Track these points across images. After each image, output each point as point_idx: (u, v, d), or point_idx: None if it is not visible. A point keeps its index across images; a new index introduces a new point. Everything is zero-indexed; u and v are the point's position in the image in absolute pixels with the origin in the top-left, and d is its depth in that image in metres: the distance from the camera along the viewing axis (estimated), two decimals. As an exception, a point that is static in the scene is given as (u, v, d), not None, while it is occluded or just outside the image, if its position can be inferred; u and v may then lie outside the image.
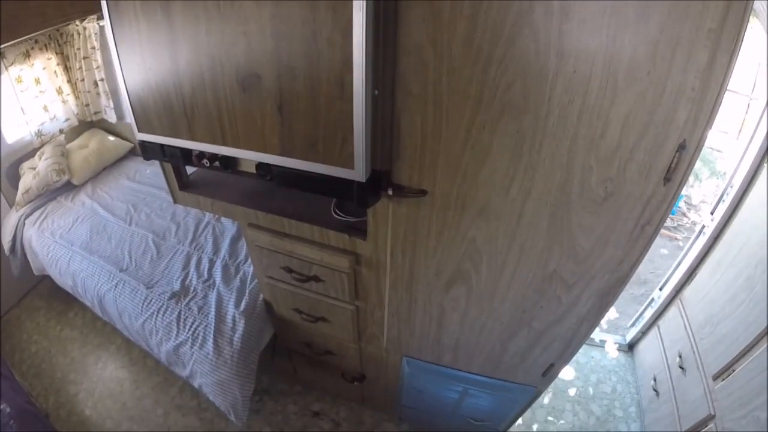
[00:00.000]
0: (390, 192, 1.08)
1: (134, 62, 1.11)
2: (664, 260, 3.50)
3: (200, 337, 1.85)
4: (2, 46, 2.25)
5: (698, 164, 3.84)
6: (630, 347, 2.69)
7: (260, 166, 1.13)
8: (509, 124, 0.91)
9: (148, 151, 1.27)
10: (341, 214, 1.31)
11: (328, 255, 1.37)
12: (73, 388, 2.58)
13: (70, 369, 2.69)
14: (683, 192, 4.03)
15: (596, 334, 2.70)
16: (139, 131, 1.24)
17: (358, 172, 1.00)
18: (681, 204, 4.09)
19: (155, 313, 1.99)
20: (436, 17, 0.82)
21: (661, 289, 2.44)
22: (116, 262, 2.28)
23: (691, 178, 4.10)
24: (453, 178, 1.04)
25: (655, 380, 2.22)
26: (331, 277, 1.44)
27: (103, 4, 1.03)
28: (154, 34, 1.03)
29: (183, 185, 1.52)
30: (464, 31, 0.82)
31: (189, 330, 1.89)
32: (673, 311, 2.25)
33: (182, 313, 1.95)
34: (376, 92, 0.92)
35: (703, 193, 4.25)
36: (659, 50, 0.74)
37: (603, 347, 2.71)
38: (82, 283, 2.31)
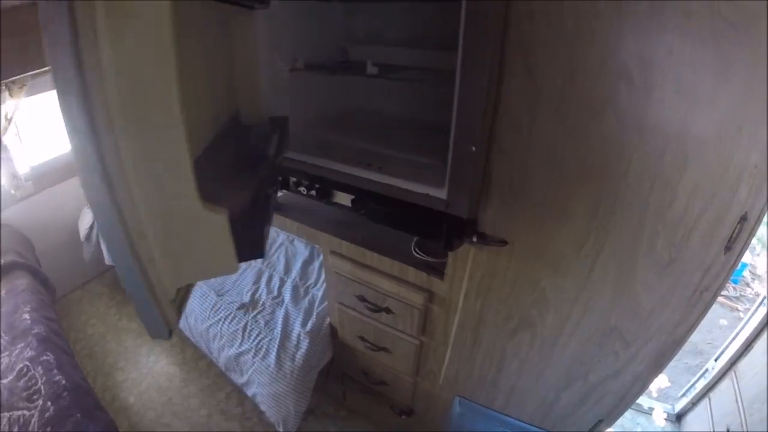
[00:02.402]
0: (474, 239, 1.22)
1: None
2: (722, 331, 3.43)
3: (263, 349, 2.02)
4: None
5: (766, 233, 3.78)
6: (678, 417, 2.66)
7: (356, 200, 1.30)
8: (589, 186, 1.03)
9: None
10: (421, 253, 1.46)
11: (404, 290, 1.51)
12: (121, 375, 2.75)
13: (122, 357, 2.88)
14: (747, 261, 3.96)
15: (645, 401, 2.69)
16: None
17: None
18: (745, 273, 4.00)
19: (222, 319, 2.19)
20: (533, 87, 0.97)
21: (716, 360, 2.43)
22: None
23: (758, 247, 4.02)
24: (533, 232, 1.17)
25: (701, 453, 2.20)
26: (402, 310, 1.58)
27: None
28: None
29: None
30: (556, 99, 0.97)
31: (253, 341, 2.06)
32: (726, 383, 2.23)
33: (249, 324, 2.13)
34: (473, 148, 1.06)
35: (768, 262, 4.15)
36: (726, 130, 0.85)
37: (650, 414, 2.69)
38: None
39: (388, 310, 1.62)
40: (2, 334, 2.17)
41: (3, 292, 2.52)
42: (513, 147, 1.06)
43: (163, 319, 0.72)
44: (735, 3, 0.77)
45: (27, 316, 2.28)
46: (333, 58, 1.71)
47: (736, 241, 0.95)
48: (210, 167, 0.83)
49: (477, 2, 0.91)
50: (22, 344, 2.07)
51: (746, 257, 3.69)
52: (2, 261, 2.72)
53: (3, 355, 2.04)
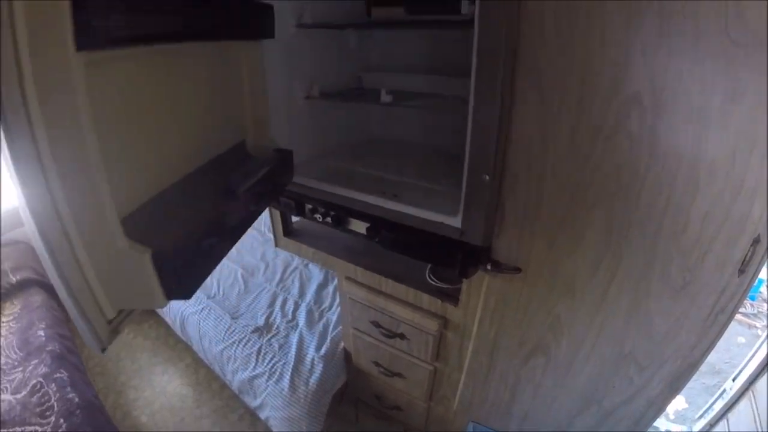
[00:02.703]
0: (489, 266, 1.24)
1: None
2: (740, 349, 3.39)
3: (277, 373, 2.04)
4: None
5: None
6: (696, 440, 2.63)
7: (371, 228, 1.33)
8: (602, 212, 1.05)
9: None
10: (435, 279, 1.48)
11: (419, 316, 1.53)
12: (134, 393, 2.77)
13: (135, 375, 2.90)
14: (764, 277, 3.91)
15: (662, 424, 2.65)
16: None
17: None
18: (762, 289, 3.96)
19: (236, 342, 2.21)
20: (545, 114, 1.00)
21: (734, 380, 2.40)
22: (205, 288, 2.56)
23: (774, 263, 3.97)
24: (546, 258, 1.18)
25: (720, 476, 2.16)
26: (417, 336, 1.59)
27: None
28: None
29: (287, 232, 1.75)
30: (568, 127, 0.99)
31: (267, 364, 2.08)
32: (744, 404, 2.20)
33: (263, 347, 2.15)
34: (486, 177, 1.09)
35: (786, 279, 4.10)
36: (737, 152, 0.87)
37: (668, 437, 2.66)
38: None
39: (402, 336, 1.64)
40: (17, 350, 2.21)
41: (18, 308, 2.58)
42: (526, 175, 1.09)
43: (94, 336, 0.81)
44: (743, 23, 0.79)
45: (41, 332, 2.33)
46: (347, 85, 1.76)
47: (749, 264, 0.96)
48: (168, 204, 0.95)
49: (488, 31, 0.95)
50: (36, 360, 2.12)
51: (763, 273, 3.65)
52: (17, 277, 2.78)
53: (17, 370, 2.08)
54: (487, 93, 1.00)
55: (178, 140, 1.06)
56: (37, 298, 2.68)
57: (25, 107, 0.60)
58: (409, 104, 1.51)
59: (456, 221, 1.18)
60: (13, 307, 2.60)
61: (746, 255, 0.95)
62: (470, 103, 1.03)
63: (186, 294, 0.88)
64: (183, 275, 0.86)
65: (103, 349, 0.84)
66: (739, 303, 1.03)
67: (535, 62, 0.97)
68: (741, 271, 0.98)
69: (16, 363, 2.12)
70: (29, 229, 0.70)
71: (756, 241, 0.93)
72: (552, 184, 1.07)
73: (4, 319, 2.49)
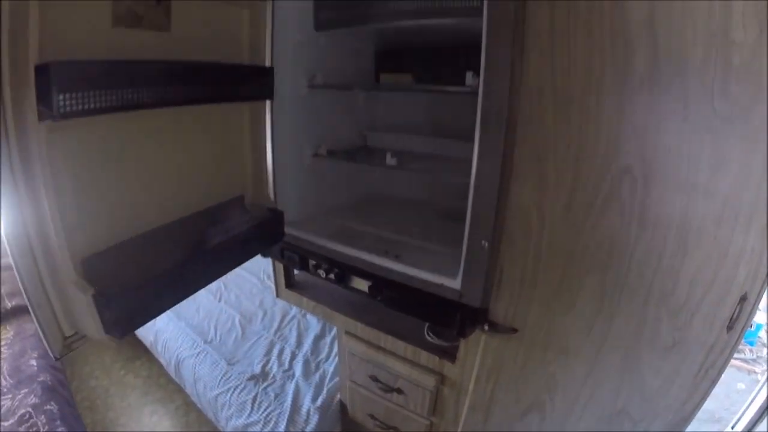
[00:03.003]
0: (486, 327, 1.26)
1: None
2: (740, 395, 3.36)
3: (272, 422, 2.02)
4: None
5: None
6: (699, 492, 2.59)
7: (373, 286, 1.36)
8: (595, 277, 1.09)
9: (268, 250, 1.57)
10: (434, 337, 1.50)
11: (416, 372, 1.54)
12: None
13: (124, 413, 2.83)
14: (762, 321, 3.92)
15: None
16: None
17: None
18: (761, 334, 3.96)
19: (232, 389, 2.20)
20: (542, 187, 1.05)
21: (732, 427, 2.39)
22: (202, 332, 2.57)
23: (772, 306, 4.00)
24: (542, 320, 1.22)
25: None
26: (414, 391, 1.60)
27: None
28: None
29: (289, 284, 1.77)
30: (564, 199, 1.04)
31: (263, 413, 2.07)
32: None
33: (259, 395, 2.14)
34: (485, 244, 1.13)
35: (784, 322, 4.11)
36: (723, 218, 0.92)
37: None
38: (163, 342, 2.60)
39: (399, 391, 1.64)
40: (6, 377, 2.18)
41: (11, 334, 2.55)
42: (524, 242, 1.13)
43: (49, 345, 1.00)
44: (727, 95, 0.86)
45: (34, 362, 2.30)
46: (353, 142, 1.83)
47: (737, 321, 1.02)
48: (140, 247, 1.11)
49: (490, 105, 1.02)
50: (27, 390, 2.09)
51: (760, 317, 3.66)
52: (13, 303, 2.77)
53: (6, 397, 2.05)
54: (487, 165, 1.06)
55: (161, 192, 1.20)
56: (31, 326, 2.64)
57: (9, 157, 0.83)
58: (413, 168, 1.57)
59: (455, 283, 1.22)
60: (6, 333, 2.58)
61: (734, 312, 1.01)
62: (472, 175, 1.09)
63: (120, 334, 0.99)
64: (121, 317, 0.97)
65: (56, 358, 1.03)
66: (729, 358, 1.08)
67: (533, 137, 1.03)
68: (729, 328, 1.03)
69: (5, 390, 2.09)
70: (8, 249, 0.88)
71: (743, 299, 0.99)
72: (547, 251, 1.11)
73: (-4, 344, 2.48)
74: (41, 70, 0.80)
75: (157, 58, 1.10)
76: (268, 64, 1.40)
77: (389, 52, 1.86)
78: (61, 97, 0.80)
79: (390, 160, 1.47)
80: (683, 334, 1.07)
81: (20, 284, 0.92)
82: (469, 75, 1.19)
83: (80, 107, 0.85)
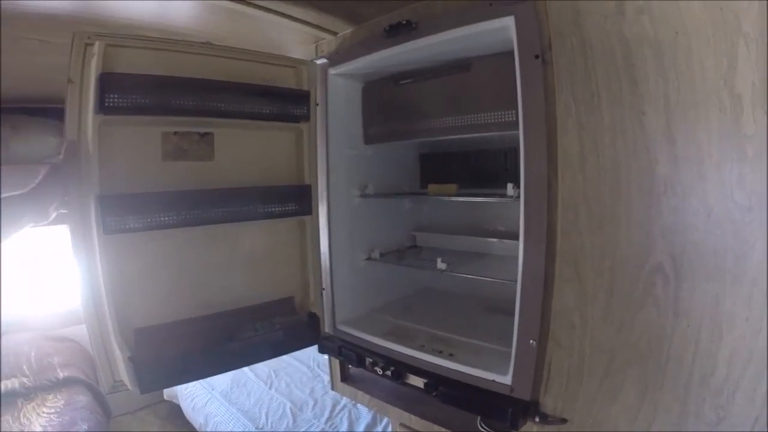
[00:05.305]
0: (537, 419, 1.36)
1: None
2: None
3: None
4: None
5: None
6: None
7: (428, 384, 1.48)
8: (637, 369, 1.20)
9: (326, 348, 1.71)
10: (486, 428, 1.57)
11: (470, 462, 1.61)
12: None
13: None
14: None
15: None
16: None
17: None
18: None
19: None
20: (582, 291, 1.21)
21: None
22: (253, 418, 2.63)
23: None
24: (589, 410, 1.31)
25: None
26: (468, 482, 1.65)
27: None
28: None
29: (344, 377, 1.90)
30: (603, 300, 1.19)
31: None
32: None
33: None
34: (533, 342, 1.28)
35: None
36: (753, 301, 1.01)
37: None
38: (214, 425, 2.67)
39: (453, 481, 1.69)
40: None
41: (61, 403, 2.65)
42: (568, 342, 1.27)
43: (102, 384, 1.42)
44: (744, 186, 0.99)
45: None
46: (401, 243, 2.06)
47: None
48: (183, 329, 1.48)
49: (531, 217, 1.21)
50: None
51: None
52: (65, 374, 2.84)
53: None
54: (531, 270, 1.24)
55: (212, 284, 1.58)
56: (82, 398, 2.73)
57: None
58: (462, 271, 1.72)
59: (506, 379, 1.34)
60: (56, 401, 2.62)
61: (773, 384, 1.08)
62: (518, 281, 1.27)
63: (143, 390, 1.35)
64: (144, 377, 1.34)
65: (106, 393, 1.51)
66: (773, 427, 1.14)
67: (571, 245, 1.21)
68: (771, 398, 1.10)
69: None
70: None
71: (781, 370, 1.07)
72: (590, 348, 1.25)
73: (45, 410, 2.50)
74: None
75: (200, 186, 1.46)
76: (321, 178, 1.66)
77: (434, 155, 2.14)
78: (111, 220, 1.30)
79: (440, 265, 1.64)
80: (727, 410, 1.10)
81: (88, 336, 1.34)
82: (509, 186, 1.40)
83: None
